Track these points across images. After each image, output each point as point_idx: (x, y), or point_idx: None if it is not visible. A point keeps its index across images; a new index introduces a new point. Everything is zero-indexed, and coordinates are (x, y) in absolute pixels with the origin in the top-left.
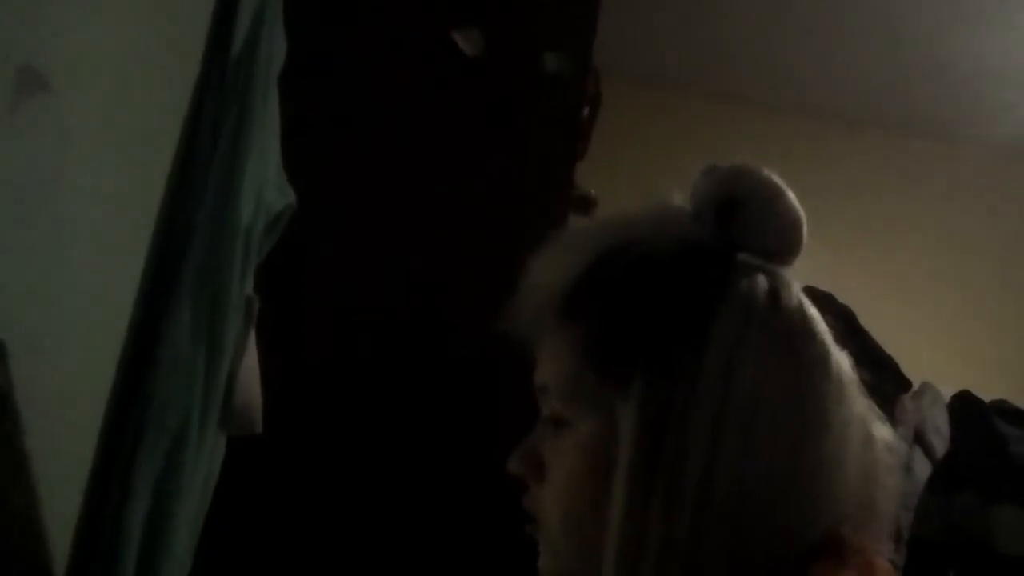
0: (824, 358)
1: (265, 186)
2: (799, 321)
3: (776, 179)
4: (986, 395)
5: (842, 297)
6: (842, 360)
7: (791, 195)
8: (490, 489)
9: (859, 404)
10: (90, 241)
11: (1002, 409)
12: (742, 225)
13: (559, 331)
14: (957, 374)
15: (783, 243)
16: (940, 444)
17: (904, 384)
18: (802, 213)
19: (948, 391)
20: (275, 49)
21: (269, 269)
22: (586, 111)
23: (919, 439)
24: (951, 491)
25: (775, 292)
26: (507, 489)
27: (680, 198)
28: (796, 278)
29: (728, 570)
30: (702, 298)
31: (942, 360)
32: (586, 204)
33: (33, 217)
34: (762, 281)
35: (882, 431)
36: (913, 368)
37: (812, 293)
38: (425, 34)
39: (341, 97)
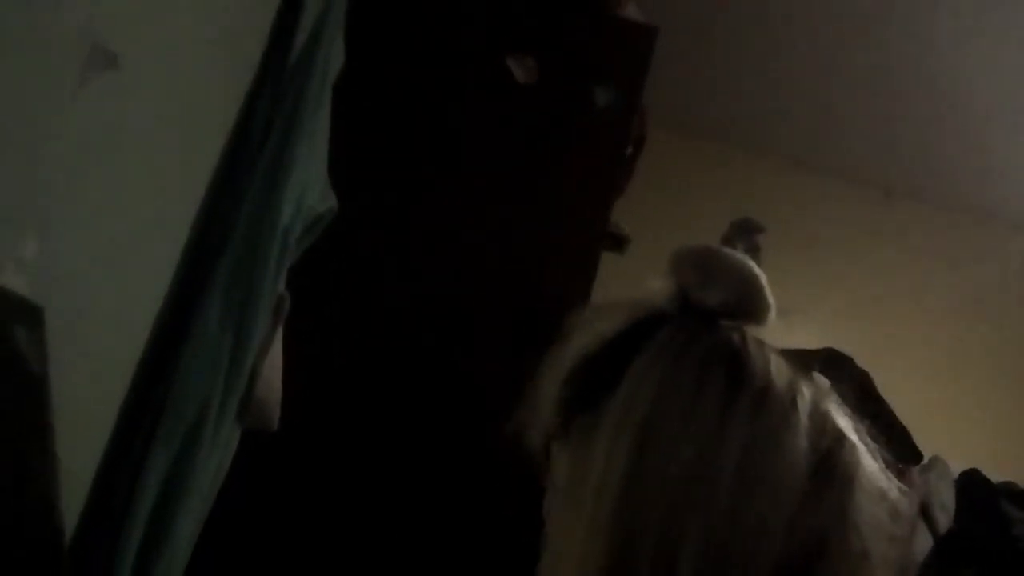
0: (752, 407)
1: (308, 189)
2: (718, 353)
3: (712, 246)
4: (997, 474)
5: (863, 363)
6: (793, 390)
7: (733, 255)
8: (505, 494)
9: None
10: (134, 221)
11: (1009, 491)
12: (695, 297)
13: (559, 436)
14: (970, 450)
15: (735, 299)
16: (944, 520)
17: (915, 456)
18: (753, 269)
19: (959, 467)
20: (333, 57)
21: (302, 270)
22: (630, 149)
23: (924, 513)
24: (951, 568)
25: (697, 335)
26: (519, 491)
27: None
28: (813, 340)
29: None
30: (629, 346)
31: (957, 434)
32: (619, 242)
33: (83, 191)
34: (684, 333)
35: (886, 485)
36: (926, 441)
37: (830, 355)
38: (480, 57)
39: (391, 111)
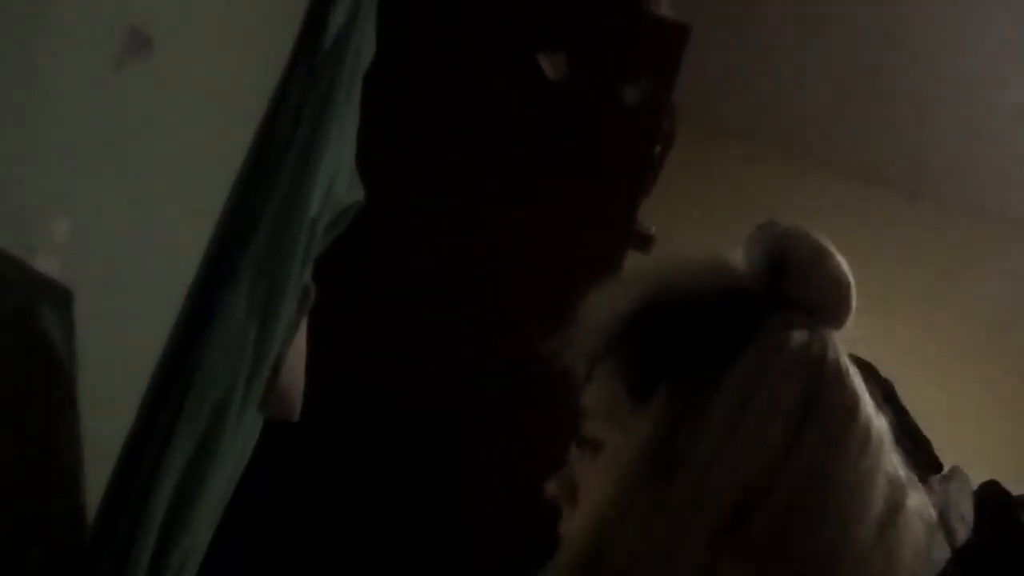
0: (845, 417)
1: (337, 180)
2: (825, 372)
3: (826, 242)
4: (1017, 486)
5: (883, 370)
6: (876, 421)
7: (840, 259)
8: (521, 489)
9: (890, 467)
10: (165, 206)
11: None
12: (790, 283)
13: (604, 359)
14: (991, 461)
15: (828, 303)
16: (963, 531)
17: (936, 466)
18: (850, 278)
19: (979, 478)
20: (364, 48)
21: (328, 261)
22: (659, 148)
23: (942, 523)
24: None
25: (806, 342)
26: (535, 487)
27: (736, 250)
28: (842, 344)
29: None
30: (731, 333)
31: (978, 444)
32: (645, 241)
33: (115, 176)
34: (796, 332)
35: (917, 501)
36: (946, 450)
37: (854, 361)
38: (511, 52)
39: (421, 103)
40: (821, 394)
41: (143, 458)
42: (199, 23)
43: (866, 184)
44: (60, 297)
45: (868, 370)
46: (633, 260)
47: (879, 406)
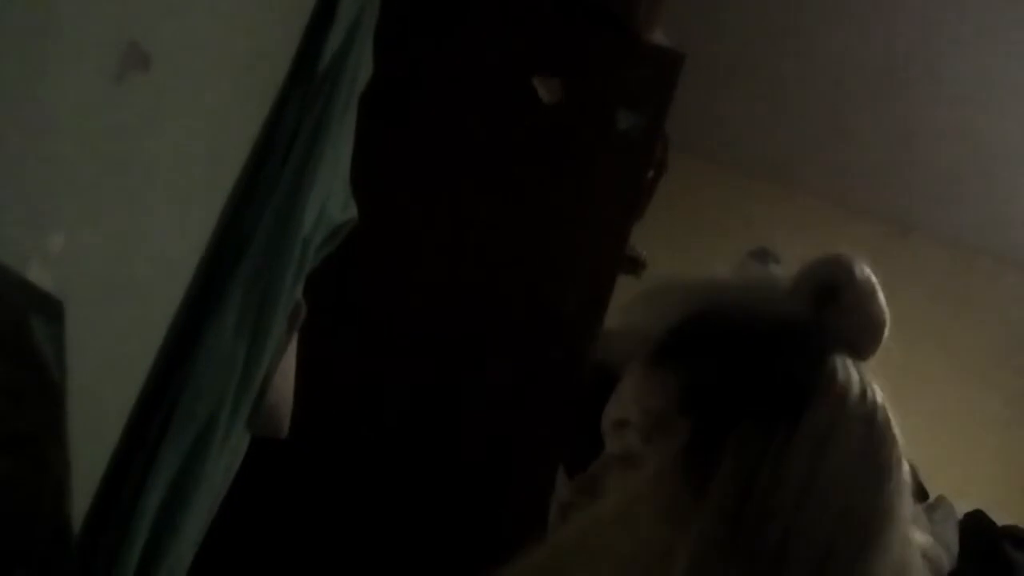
0: (900, 459)
1: (331, 198)
2: (884, 420)
3: (874, 278)
4: (1002, 517)
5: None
6: (905, 464)
7: (883, 297)
8: (514, 503)
9: (908, 506)
10: (158, 221)
11: (1013, 535)
12: (837, 312)
13: (650, 374)
14: (976, 492)
15: (868, 340)
16: (947, 561)
17: (921, 494)
18: (888, 316)
19: (965, 508)
20: (362, 66)
21: (319, 278)
22: (651, 174)
23: (926, 553)
24: None
25: (865, 388)
26: (528, 501)
27: (728, 272)
28: None
29: None
30: (802, 376)
31: (964, 475)
32: (635, 265)
33: (110, 188)
34: (855, 375)
35: (920, 538)
36: (932, 480)
37: None
38: (507, 75)
39: (415, 124)
40: (878, 439)
41: (129, 474)
42: (198, 40)
43: (857, 216)
44: (52, 309)
45: None
46: (623, 284)
47: None
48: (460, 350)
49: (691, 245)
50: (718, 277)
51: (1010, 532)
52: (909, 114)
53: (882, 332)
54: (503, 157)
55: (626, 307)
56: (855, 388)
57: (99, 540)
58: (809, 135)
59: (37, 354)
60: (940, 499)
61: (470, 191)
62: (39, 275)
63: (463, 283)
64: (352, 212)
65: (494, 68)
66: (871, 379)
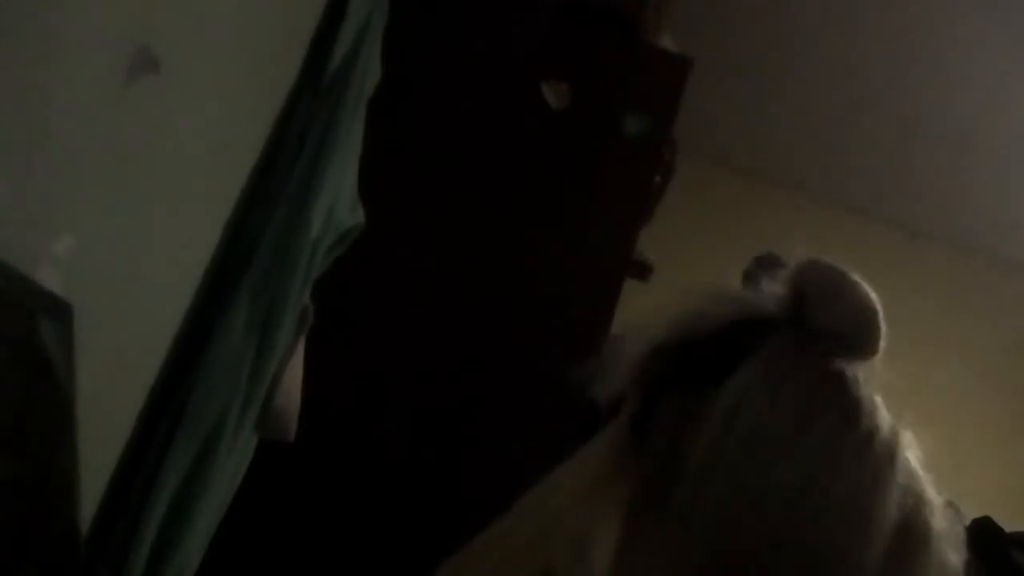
0: (847, 421)
1: (339, 202)
2: (825, 383)
3: (844, 269)
4: (1011, 523)
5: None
6: (884, 435)
7: (863, 286)
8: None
9: (908, 485)
10: (168, 224)
11: (1021, 541)
12: (811, 312)
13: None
14: (985, 497)
15: (853, 331)
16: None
17: None
18: (875, 304)
19: (973, 514)
20: (370, 71)
21: (327, 282)
22: (658, 178)
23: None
24: None
25: (810, 357)
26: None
27: (734, 281)
28: None
29: None
30: (736, 351)
31: (971, 481)
32: (642, 269)
33: (120, 192)
34: (793, 350)
35: (950, 532)
36: (942, 486)
37: None
38: (515, 80)
39: (423, 129)
40: (815, 403)
41: (137, 476)
42: (206, 44)
43: (865, 220)
44: (61, 312)
45: None
46: (630, 289)
47: None
48: (466, 354)
49: (698, 249)
50: (693, 297)
51: (1018, 538)
52: (917, 118)
53: (869, 320)
54: (511, 161)
55: (612, 342)
56: (783, 367)
57: (107, 542)
58: (817, 139)
59: (45, 356)
60: (947, 504)
61: (478, 195)
62: (48, 277)
63: (469, 287)
64: (360, 216)
65: (502, 73)
66: (840, 363)
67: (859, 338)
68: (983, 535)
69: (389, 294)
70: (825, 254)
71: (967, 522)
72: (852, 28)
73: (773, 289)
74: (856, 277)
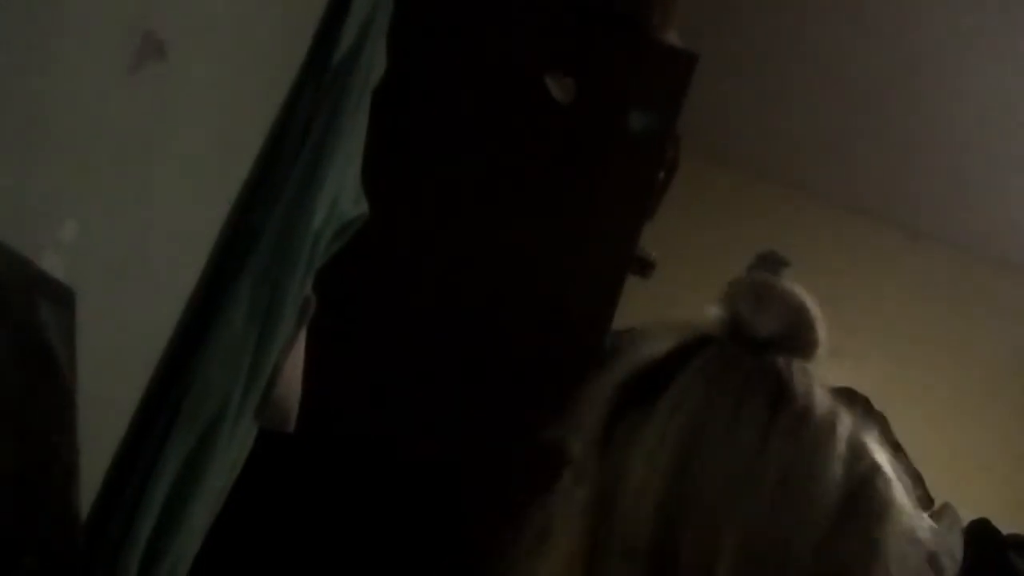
0: (800, 416)
1: (342, 193)
2: (762, 372)
3: (772, 280)
4: (1008, 525)
5: (877, 402)
6: (833, 418)
7: (789, 286)
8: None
9: (848, 456)
10: (171, 212)
11: (1019, 543)
12: (748, 325)
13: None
14: (983, 499)
15: (788, 332)
16: (952, 568)
17: (927, 502)
18: (805, 300)
19: (970, 515)
20: (375, 63)
21: (329, 274)
22: (662, 174)
23: (931, 560)
24: None
25: (743, 356)
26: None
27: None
28: (830, 378)
29: None
30: (677, 363)
31: (969, 482)
32: (644, 266)
33: (124, 179)
34: (730, 354)
35: (919, 521)
36: (937, 487)
37: (848, 395)
38: (520, 73)
39: (428, 121)
40: (747, 392)
41: (137, 463)
42: (213, 32)
43: (866, 221)
44: (62, 297)
45: (861, 403)
46: (632, 285)
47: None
48: (467, 348)
49: (700, 246)
50: (647, 335)
51: (1015, 541)
52: (920, 120)
53: (802, 319)
54: (514, 155)
55: (580, 391)
56: (718, 365)
57: (105, 528)
58: (820, 139)
59: (47, 341)
60: (945, 506)
61: (480, 188)
62: (51, 264)
63: (471, 280)
64: (363, 207)
65: (507, 67)
66: (790, 364)
67: (794, 338)
68: (981, 537)
69: (391, 286)
70: (825, 253)
71: (965, 524)
72: (856, 29)
73: (712, 314)
74: (785, 285)
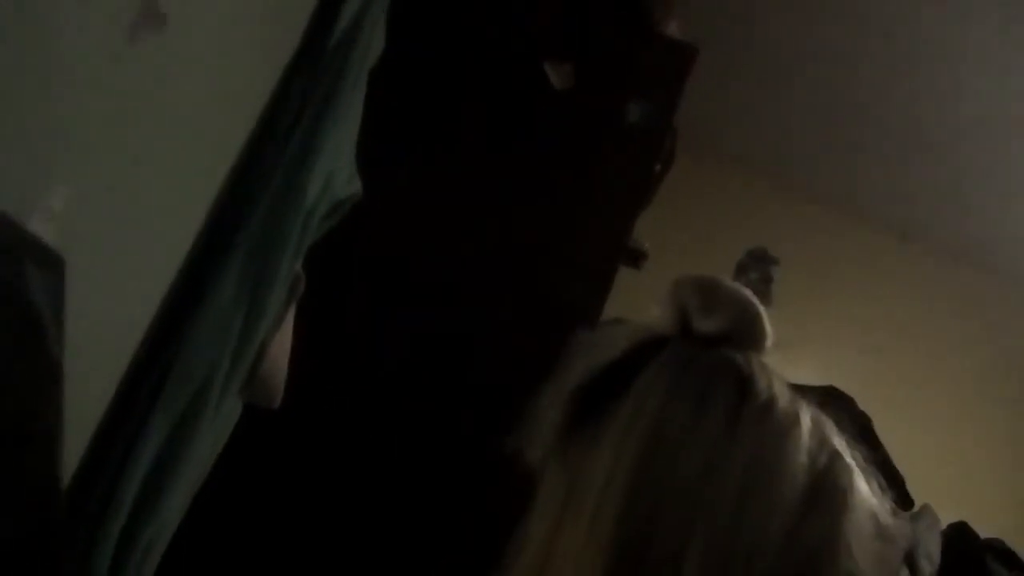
0: (761, 410)
1: (336, 172)
2: (723, 368)
3: (715, 277)
4: (987, 529)
5: (861, 402)
6: (795, 409)
7: (731, 284)
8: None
9: (813, 450)
10: (163, 182)
11: (996, 548)
12: (696, 324)
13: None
14: (963, 502)
15: (734, 328)
16: (928, 569)
17: (907, 502)
18: (747, 295)
19: (949, 518)
20: (373, 43)
21: (320, 252)
22: (658, 166)
23: (908, 561)
24: None
25: (701, 353)
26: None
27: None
28: (816, 376)
29: None
30: (633, 366)
31: (950, 485)
32: (637, 257)
33: (117, 147)
34: (686, 353)
35: (883, 514)
36: (918, 488)
37: (832, 393)
38: (519, 58)
39: (424, 104)
40: (709, 386)
41: (120, 433)
42: (212, 5)
43: (857, 221)
44: (51, 263)
45: (844, 402)
46: (623, 275)
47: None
48: (458, 333)
49: (692, 240)
50: (597, 340)
51: (993, 545)
52: (915, 124)
53: (746, 313)
54: (511, 140)
55: (535, 400)
56: (678, 363)
57: (87, 497)
58: (815, 138)
59: (35, 306)
60: (925, 508)
61: (476, 173)
62: (41, 229)
63: (463, 265)
64: (357, 187)
65: (506, 53)
66: (750, 358)
67: (743, 333)
68: (958, 540)
69: (381, 266)
70: (816, 252)
71: (944, 527)
72: (855, 30)
73: (659, 312)
74: (725, 281)
